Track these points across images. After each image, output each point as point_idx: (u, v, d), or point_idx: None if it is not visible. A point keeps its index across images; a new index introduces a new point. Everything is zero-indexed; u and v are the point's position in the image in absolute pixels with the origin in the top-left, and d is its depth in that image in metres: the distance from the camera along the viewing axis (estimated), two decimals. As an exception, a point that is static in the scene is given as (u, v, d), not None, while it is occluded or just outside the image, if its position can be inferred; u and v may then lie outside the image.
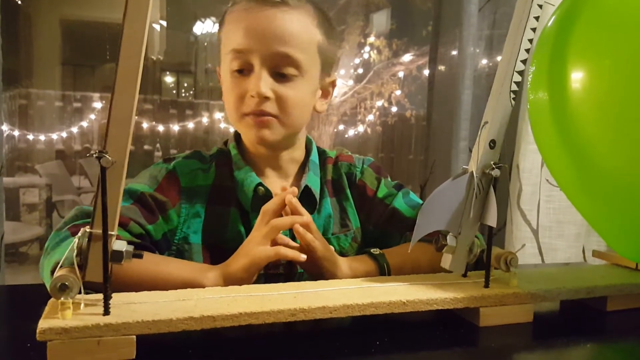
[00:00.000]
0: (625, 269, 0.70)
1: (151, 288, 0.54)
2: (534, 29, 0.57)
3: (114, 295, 0.48)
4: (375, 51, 3.58)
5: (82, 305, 0.46)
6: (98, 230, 0.45)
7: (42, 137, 3.24)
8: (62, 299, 0.44)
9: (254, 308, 0.49)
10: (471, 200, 0.57)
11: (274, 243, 0.64)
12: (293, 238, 0.67)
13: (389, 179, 0.85)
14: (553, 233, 1.42)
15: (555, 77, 0.54)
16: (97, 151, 0.44)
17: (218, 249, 0.72)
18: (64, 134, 3.33)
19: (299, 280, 0.62)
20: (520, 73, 0.58)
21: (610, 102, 0.49)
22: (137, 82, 0.45)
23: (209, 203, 0.75)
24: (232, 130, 0.82)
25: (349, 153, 0.87)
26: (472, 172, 0.58)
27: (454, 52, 1.70)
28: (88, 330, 0.43)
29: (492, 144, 0.58)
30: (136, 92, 0.45)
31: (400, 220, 0.79)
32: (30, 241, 2.78)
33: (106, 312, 0.45)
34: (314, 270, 0.66)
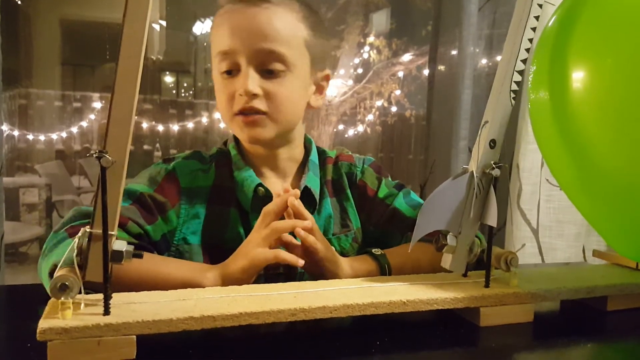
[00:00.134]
0: (626, 269, 0.70)
1: (150, 288, 0.54)
2: (534, 29, 0.57)
3: (114, 295, 0.48)
4: (374, 51, 3.57)
5: (82, 305, 0.46)
6: (98, 230, 0.45)
7: (41, 137, 3.23)
8: (62, 299, 0.44)
9: (254, 308, 0.49)
10: (471, 200, 0.57)
11: (277, 241, 0.64)
12: (295, 236, 0.67)
13: (390, 178, 0.85)
14: (553, 233, 1.42)
15: (556, 76, 0.54)
16: (97, 151, 0.44)
17: (218, 249, 0.72)
18: (64, 134, 3.33)
19: (299, 280, 0.62)
20: (521, 72, 0.58)
21: (611, 101, 0.49)
22: (137, 82, 0.45)
23: (209, 204, 0.74)
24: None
25: (349, 153, 0.86)
26: (472, 172, 0.58)
27: (454, 52, 1.70)
28: (88, 330, 0.43)
29: (493, 143, 0.58)
30: (136, 92, 0.45)
31: (401, 220, 0.79)
32: (30, 241, 2.78)
33: (106, 312, 0.45)
34: (316, 271, 0.66)
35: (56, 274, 0.46)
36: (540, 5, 0.57)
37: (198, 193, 0.74)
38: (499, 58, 1.56)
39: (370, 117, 3.58)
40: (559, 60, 0.53)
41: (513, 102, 0.58)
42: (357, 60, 3.54)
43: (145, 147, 3.42)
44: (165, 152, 3.44)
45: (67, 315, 0.44)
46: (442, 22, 1.78)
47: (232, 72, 0.72)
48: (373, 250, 0.71)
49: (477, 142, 0.58)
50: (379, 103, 3.59)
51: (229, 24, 0.72)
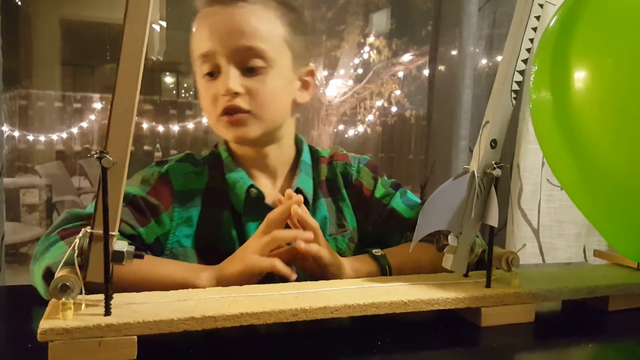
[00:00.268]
0: (627, 269, 0.70)
1: (145, 289, 0.53)
2: (534, 29, 0.57)
3: (114, 295, 0.48)
4: (374, 51, 3.58)
5: (83, 305, 0.46)
6: (99, 231, 0.45)
7: (42, 138, 3.24)
8: (63, 299, 0.44)
9: (255, 308, 0.49)
10: (472, 200, 0.57)
11: (280, 246, 0.64)
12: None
13: (386, 177, 0.84)
14: (554, 232, 1.42)
15: (557, 76, 0.54)
16: (98, 151, 0.44)
17: (211, 252, 0.72)
18: (64, 135, 3.33)
19: (299, 280, 0.62)
20: (521, 72, 0.58)
21: (612, 101, 0.49)
22: (138, 82, 0.45)
23: (202, 206, 0.74)
24: None
25: (344, 152, 0.86)
26: (473, 172, 0.58)
27: (454, 52, 1.70)
28: (89, 331, 0.43)
29: (494, 143, 0.58)
30: (137, 92, 0.45)
31: (399, 221, 0.79)
32: (31, 242, 2.78)
33: (107, 312, 0.45)
34: (319, 273, 0.66)
35: (57, 274, 0.46)
36: (541, 5, 0.57)
37: (191, 196, 0.74)
38: (499, 58, 1.56)
39: (370, 117, 3.59)
40: (560, 60, 0.53)
41: (514, 102, 0.58)
42: (357, 61, 3.54)
43: (146, 147, 3.42)
44: (165, 152, 3.44)
45: (68, 315, 0.44)
46: (442, 22, 1.78)
47: (214, 73, 0.72)
48: (373, 250, 0.71)
49: (478, 142, 0.58)
50: (379, 103, 3.59)
51: (207, 26, 0.71)
